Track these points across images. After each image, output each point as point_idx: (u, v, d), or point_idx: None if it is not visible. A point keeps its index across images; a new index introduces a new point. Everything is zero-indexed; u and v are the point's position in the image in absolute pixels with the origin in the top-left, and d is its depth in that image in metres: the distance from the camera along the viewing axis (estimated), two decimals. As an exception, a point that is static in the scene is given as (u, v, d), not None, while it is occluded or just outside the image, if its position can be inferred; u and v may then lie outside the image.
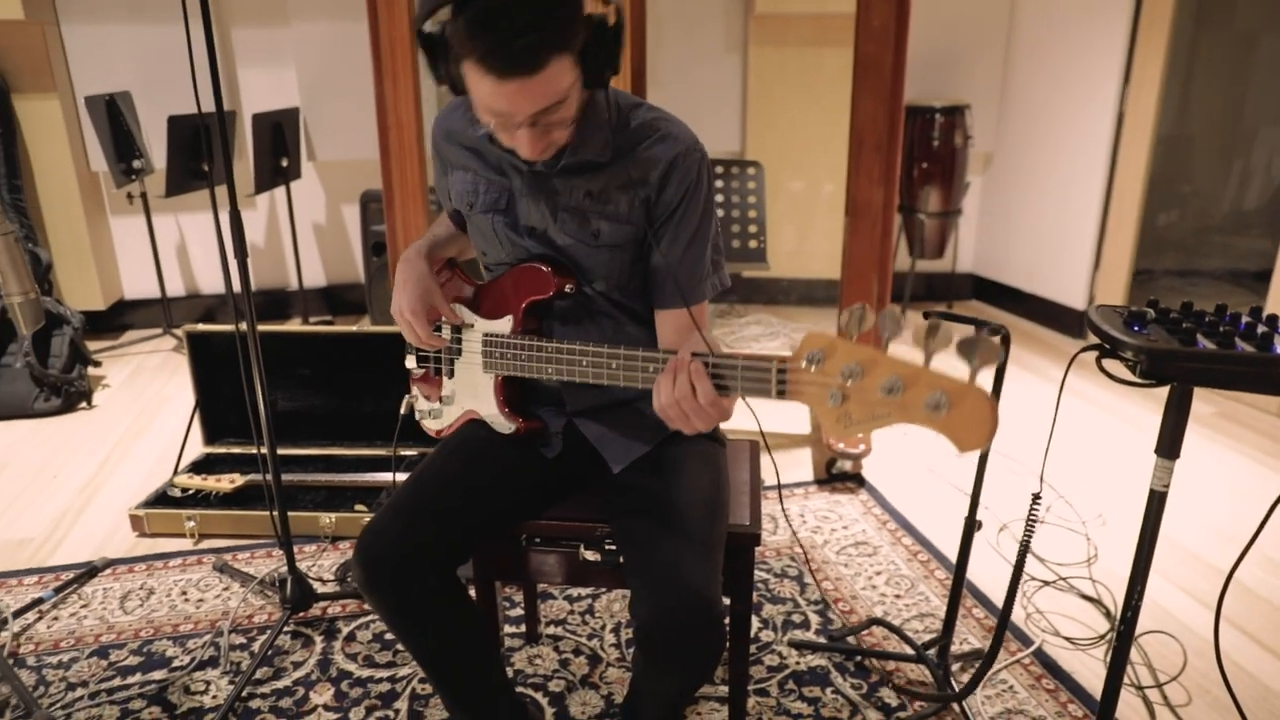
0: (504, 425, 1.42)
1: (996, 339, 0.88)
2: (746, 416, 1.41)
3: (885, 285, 2.86)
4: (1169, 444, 1.05)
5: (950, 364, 0.88)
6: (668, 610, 1.19)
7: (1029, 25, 4.14)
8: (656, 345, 1.41)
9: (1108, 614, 2.04)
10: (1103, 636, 1.97)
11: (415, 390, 1.58)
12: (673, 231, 1.32)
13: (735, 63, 4.25)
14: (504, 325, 1.38)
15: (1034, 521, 1.46)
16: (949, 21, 4.20)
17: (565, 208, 1.32)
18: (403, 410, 1.60)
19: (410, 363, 1.55)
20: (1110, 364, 1.05)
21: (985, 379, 0.89)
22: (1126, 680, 1.82)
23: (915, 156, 4.13)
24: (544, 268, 1.34)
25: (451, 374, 1.48)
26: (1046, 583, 2.17)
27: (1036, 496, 1.43)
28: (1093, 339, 1.10)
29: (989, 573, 2.21)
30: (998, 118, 4.36)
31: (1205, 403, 3.28)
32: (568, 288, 1.34)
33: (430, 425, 1.56)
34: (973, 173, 4.41)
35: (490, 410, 1.42)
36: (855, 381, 0.93)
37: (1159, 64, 3.52)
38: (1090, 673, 1.86)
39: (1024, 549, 1.49)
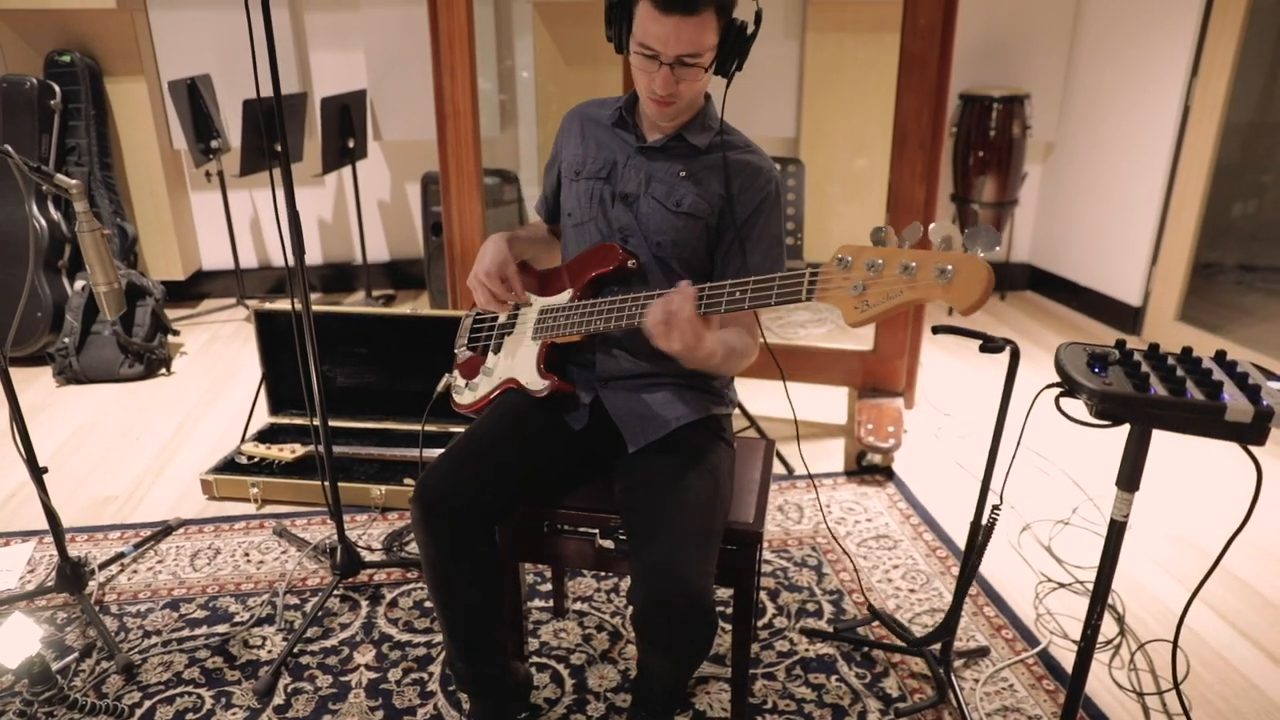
0: (538, 384, 1.59)
1: (996, 244, 1.05)
2: (784, 406, 1.56)
3: (925, 281, 2.88)
4: (1128, 478, 1.11)
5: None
6: (659, 598, 1.31)
7: (1097, 11, 4.03)
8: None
9: (1120, 619, 2.08)
10: (1110, 641, 2.02)
11: (456, 372, 1.78)
12: (749, 239, 1.53)
13: (792, 48, 4.25)
14: (563, 298, 1.60)
15: (991, 529, 1.57)
16: (1012, 8, 4.12)
17: (658, 178, 1.55)
18: (439, 388, 1.80)
19: (460, 351, 1.78)
20: (1070, 404, 1.11)
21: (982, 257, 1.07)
22: (1129, 687, 1.87)
23: (971, 146, 4.10)
24: (611, 245, 1.56)
25: (498, 349, 1.69)
26: (1061, 585, 2.21)
27: (995, 508, 1.54)
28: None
29: (1005, 572, 2.26)
30: (1060, 107, 4.27)
31: None
32: (630, 264, 1.55)
33: (460, 400, 1.74)
34: (1032, 162, 4.34)
35: (529, 375, 1.60)
36: (875, 273, 1.11)
37: (1231, 50, 3.42)
38: (1093, 677, 1.90)
39: (974, 551, 1.60)
